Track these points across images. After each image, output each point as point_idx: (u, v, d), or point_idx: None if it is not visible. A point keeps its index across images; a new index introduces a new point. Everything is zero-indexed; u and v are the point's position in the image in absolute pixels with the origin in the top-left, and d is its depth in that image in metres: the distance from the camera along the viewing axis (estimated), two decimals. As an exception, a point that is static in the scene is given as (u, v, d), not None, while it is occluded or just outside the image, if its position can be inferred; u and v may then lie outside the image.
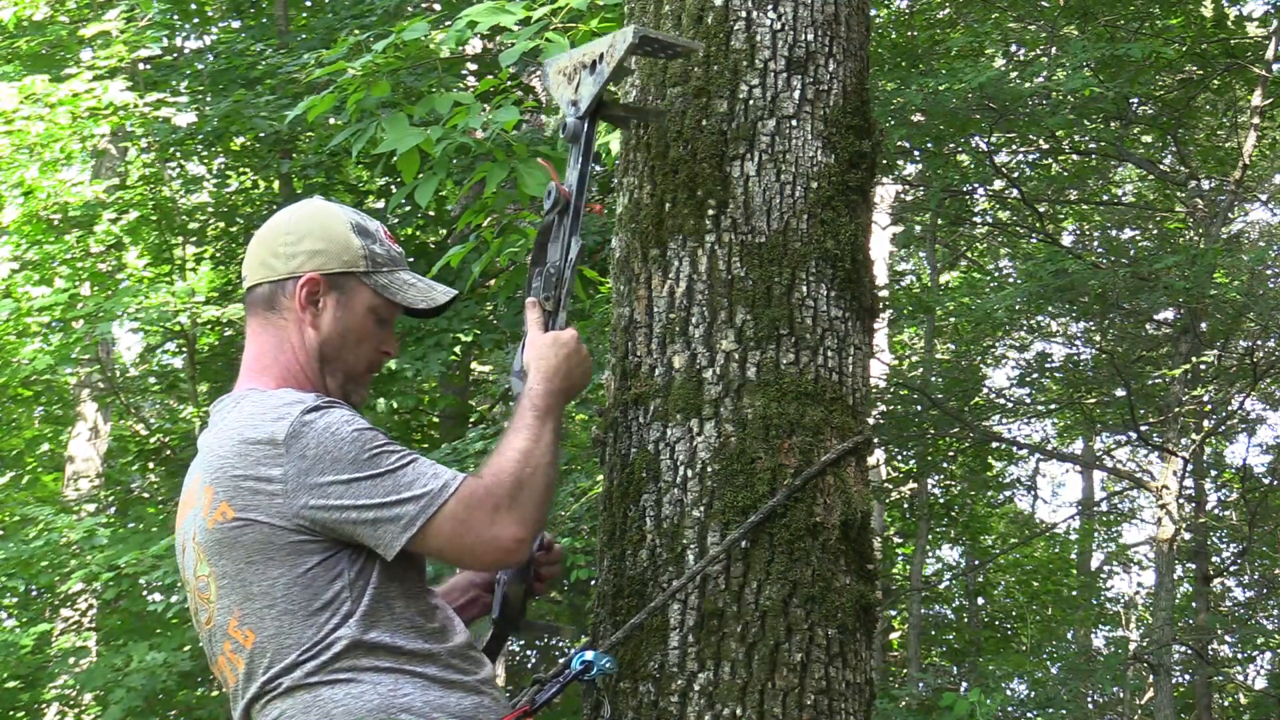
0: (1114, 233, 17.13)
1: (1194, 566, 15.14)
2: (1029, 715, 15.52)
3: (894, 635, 17.60)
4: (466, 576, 2.70)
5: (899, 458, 15.16)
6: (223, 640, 2.38)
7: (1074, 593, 19.44)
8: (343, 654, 2.30)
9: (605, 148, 6.05)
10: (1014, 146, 14.04)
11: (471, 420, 11.90)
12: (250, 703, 2.36)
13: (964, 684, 17.05)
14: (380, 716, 2.28)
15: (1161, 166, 14.86)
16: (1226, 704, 18.40)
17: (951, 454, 15.25)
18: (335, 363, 2.46)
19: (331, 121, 9.31)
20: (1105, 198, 16.71)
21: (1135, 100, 13.21)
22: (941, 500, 17.24)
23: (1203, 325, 13.43)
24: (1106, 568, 21.32)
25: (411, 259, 10.87)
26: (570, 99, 2.63)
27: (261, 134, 10.29)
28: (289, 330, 2.46)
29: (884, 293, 14.55)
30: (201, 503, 2.38)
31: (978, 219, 16.53)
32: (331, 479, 2.28)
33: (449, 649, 2.39)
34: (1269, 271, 13.91)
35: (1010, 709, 15.24)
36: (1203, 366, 13.51)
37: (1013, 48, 14.15)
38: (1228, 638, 17.18)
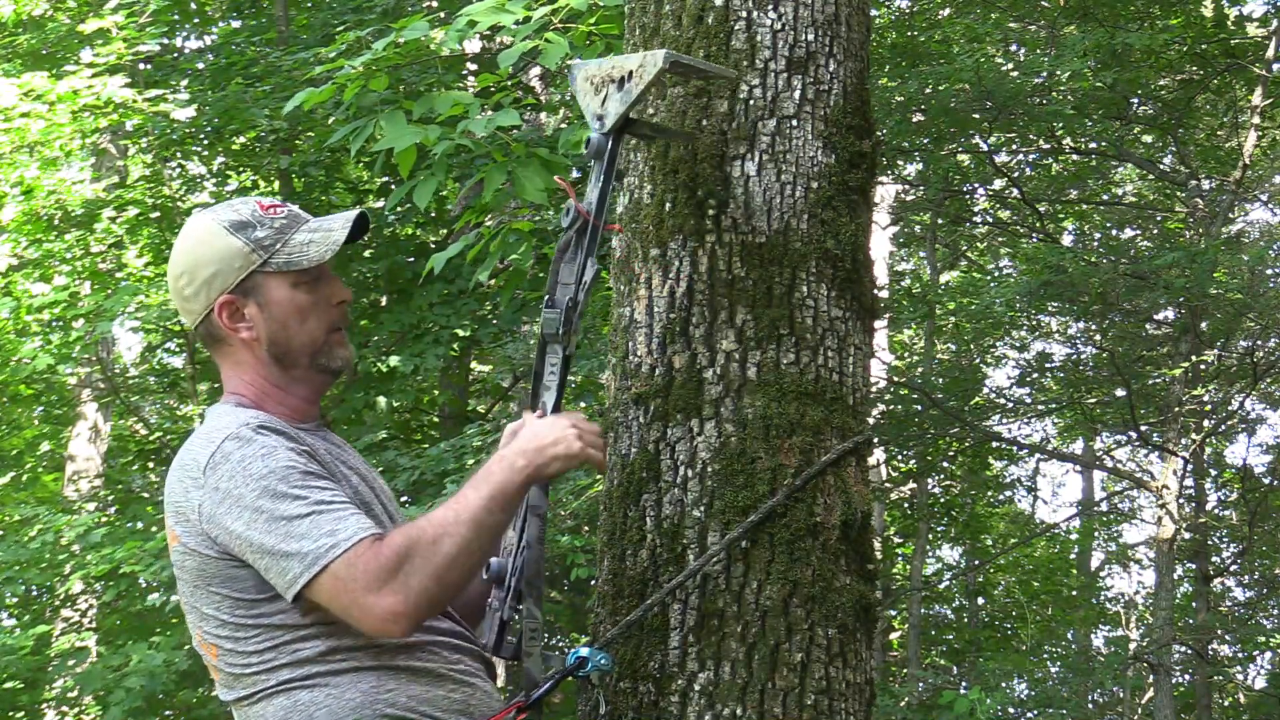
0: (1114, 232, 17.12)
1: (1194, 566, 15.13)
2: (1029, 715, 15.53)
3: (894, 635, 17.59)
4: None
5: (899, 458, 15.14)
6: (199, 652, 2.46)
7: (1074, 593, 19.45)
8: (315, 660, 2.30)
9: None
10: (1014, 146, 14.03)
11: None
12: (232, 705, 2.41)
13: (964, 684, 17.04)
14: (365, 713, 2.27)
15: (1161, 166, 14.85)
16: (1226, 704, 18.39)
17: (951, 454, 15.24)
18: (292, 352, 2.48)
19: (331, 121, 9.29)
20: (1105, 198, 16.70)
21: (1135, 100, 13.20)
22: (941, 500, 17.24)
23: (1203, 325, 13.42)
24: (1106, 568, 21.33)
25: (411, 259, 10.86)
26: (596, 112, 2.57)
27: (262, 133, 10.27)
28: (238, 351, 2.49)
29: (884, 293, 14.53)
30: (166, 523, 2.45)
31: (978, 219, 16.52)
32: (236, 514, 2.27)
33: (433, 639, 2.38)
34: (1269, 271, 13.90)
35: (1010, 709, 15.23)
36: (1203, 366, 13.50)
37: (1013, 47, 14.14)
38: (1228, 638, 17.16)
